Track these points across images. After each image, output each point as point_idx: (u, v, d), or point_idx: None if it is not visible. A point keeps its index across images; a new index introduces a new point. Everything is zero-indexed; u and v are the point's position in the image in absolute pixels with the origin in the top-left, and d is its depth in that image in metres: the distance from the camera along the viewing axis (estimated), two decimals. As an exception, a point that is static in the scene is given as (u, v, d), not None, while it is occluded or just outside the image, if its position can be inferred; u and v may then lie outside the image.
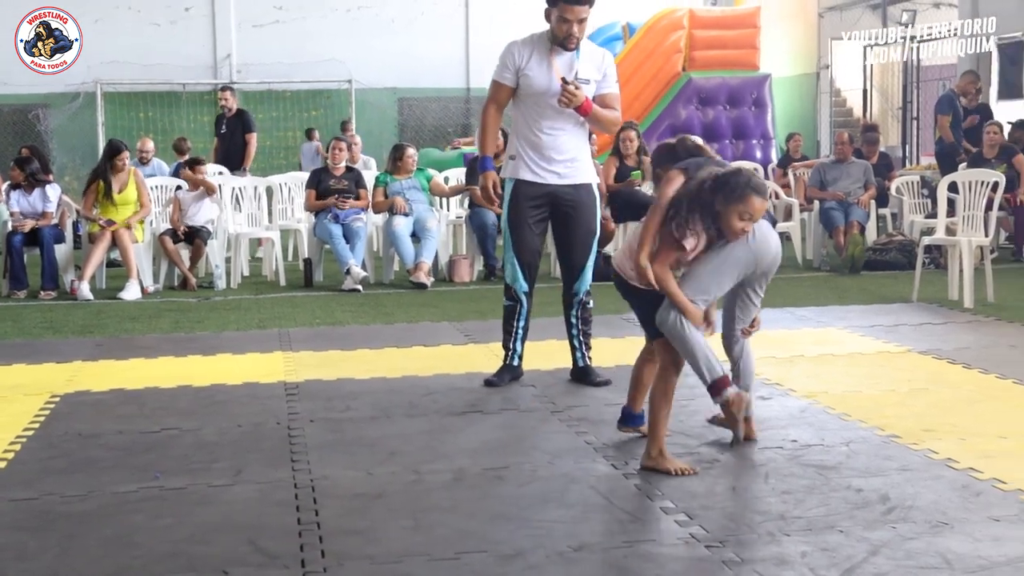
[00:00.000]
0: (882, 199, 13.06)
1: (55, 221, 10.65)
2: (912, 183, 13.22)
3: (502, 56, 6.04)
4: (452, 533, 3.88)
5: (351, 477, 4.55)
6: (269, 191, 12.51)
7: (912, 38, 19.37)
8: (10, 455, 4.95)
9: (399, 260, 11.07)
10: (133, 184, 10.69)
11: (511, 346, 6.25)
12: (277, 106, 23.34)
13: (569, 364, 6.32)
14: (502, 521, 3.99)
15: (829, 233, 11.82)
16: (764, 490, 4.33)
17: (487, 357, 6.75)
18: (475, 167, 10.34)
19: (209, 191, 11.09)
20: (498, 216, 8.83)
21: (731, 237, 4.58)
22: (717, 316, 4.89)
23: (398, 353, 7.22)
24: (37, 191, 10.71)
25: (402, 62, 23.49)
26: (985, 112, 14.14)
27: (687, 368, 4.67)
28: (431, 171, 11.84)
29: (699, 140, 5.00)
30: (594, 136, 11.21)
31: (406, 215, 10.86)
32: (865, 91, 22.73)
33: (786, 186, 14.13)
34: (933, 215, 11.00)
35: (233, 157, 13.70)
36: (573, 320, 6.23)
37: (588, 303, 6.23)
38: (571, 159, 6.02)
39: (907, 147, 20.79)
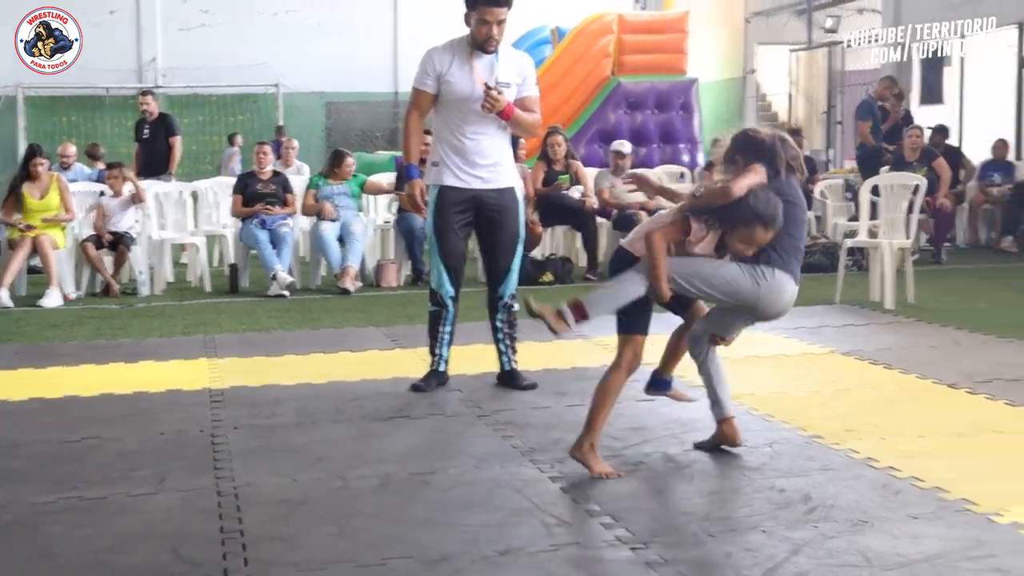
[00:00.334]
0: (807, 202, 13.19)
1: (-26, 227, 10.46)
2: (836, 186, 13.40)
3: (422, 63, 6.05)
4: (377, 539, 3.86)
5: (275, 484, 4.51)
6: (195, 196, 12.38)
7: (836, 43, 19.66)
8: (-75, 466, 4.85)
9: (326, 265, 11.01)
10: (56, 190, 10.52)
11: (437, 351, 6.24)
12: (203, 110, 23.13)
13: (496, 368, 6.32)
14: (428, 526, 3.98)
15: (754, 236, 11.91)
16: (689, 491, 4.36)
17: (414, 362, 6.73)
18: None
19: (138, 198, 10.92)
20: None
21: (729, 250, 4.58)
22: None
23: (324, 359, 7.17)
24: (-45, 197, 10.52)
25: (330, 66, 23.40)
26: (907, 118, 14.37)
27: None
28: (364, 176, 11.80)
29: (794, 148, 4.67)
30: (522, 141, 11.29)
31: (333, 220, 10.81)
32: (790, 96, 23.03)
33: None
34: (856, 218, 11.15)
35: (156, 162, 13.50)
36: (499, 324, 6.23)
37: (513, 307, 6.24)
38: (495, 163, 6.03)
39: (831, 151, 21.11)
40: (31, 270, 11.24)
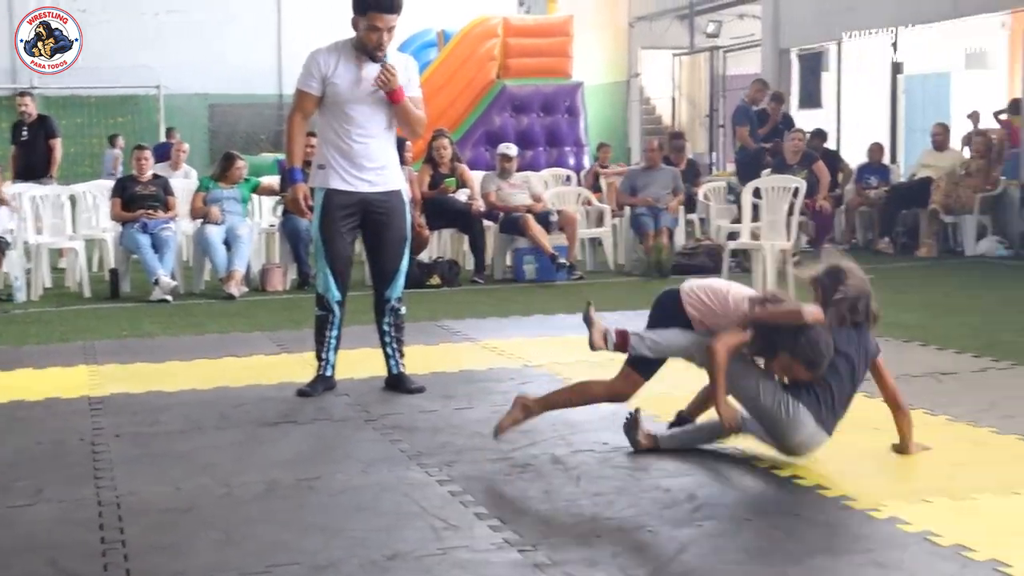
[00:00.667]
0: (690, 205, 13.41)
1: None
2: (719, 189, 13.61)
3: (306, 65, 5.98)
4: (264, 546, 3.82)
5: (159, 492, 4.43)
6: (73, 200, 12.10)
7: (717, 48, 19.99)
8: None
9: (210, 269, 10.85)
10: (-75, 193, 10.20)
11: (324, 356, 6.18)
12: (81, 112, 22.62)
13: (383, 372, 6.29)
14: (315, 532, 3.95)
15: (640, 238, 12.07)
16: (576, 493, 4.38)
17: (300, 367, 6.66)
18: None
19: (1, 200, 10.64)
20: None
21: (768, 368, 4.64)
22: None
23: (209, 364, 7.07)
24: None
25: (213, 68, 23.08)
26: (787, 121, 14.66)
27: None
28: (256, 179, 11.69)
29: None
30: (408, 143, 11.25)
31: (219, 224, 10.67)
32: (674, 99, 23.34)
33: (597, 191, 14.39)
34: (738, 220, 11.34)
35: (36, 164, 13.19)
36: (386, 327, 6.20)
37: (400, 310, 6.21)
38: (381, 166, 6.01)
39: (714, 154, 21.44)
40: (-99, 276, 10.89)
